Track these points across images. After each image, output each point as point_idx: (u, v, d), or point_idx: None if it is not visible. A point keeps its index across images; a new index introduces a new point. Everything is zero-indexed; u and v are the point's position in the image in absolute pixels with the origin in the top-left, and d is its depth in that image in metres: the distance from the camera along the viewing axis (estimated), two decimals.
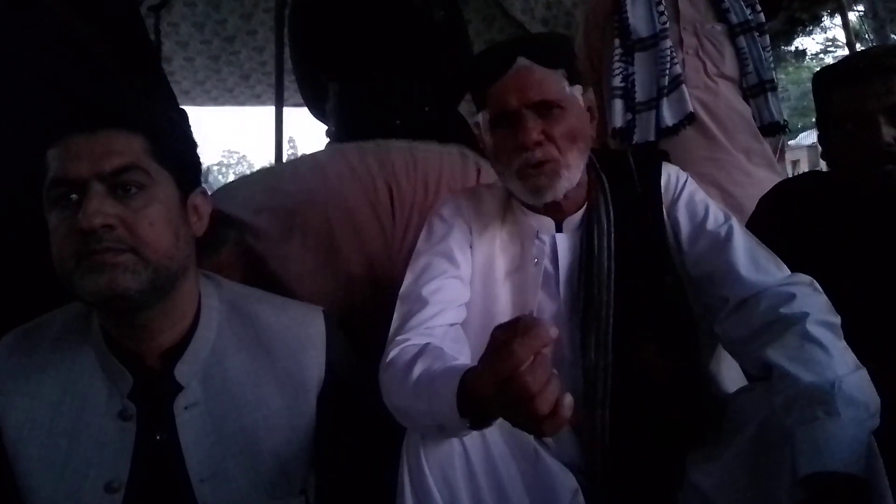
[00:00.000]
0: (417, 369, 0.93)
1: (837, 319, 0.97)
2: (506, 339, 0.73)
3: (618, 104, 1.82)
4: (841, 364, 0.89)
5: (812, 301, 0.98)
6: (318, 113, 1.89)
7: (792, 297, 0.98)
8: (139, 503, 0.91)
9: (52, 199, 0.86)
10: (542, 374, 0.71)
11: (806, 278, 1.02)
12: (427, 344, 0.99)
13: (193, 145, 0.97)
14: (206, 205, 0.99)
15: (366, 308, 1.40)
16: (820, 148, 1.32)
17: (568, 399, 0.72)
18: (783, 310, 0.97)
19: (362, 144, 1.56)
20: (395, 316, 1.09)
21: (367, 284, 1.44)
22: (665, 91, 1.79)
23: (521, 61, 1.05)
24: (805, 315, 0.94)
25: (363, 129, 1.67)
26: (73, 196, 0.84)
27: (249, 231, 1.41)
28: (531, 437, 1.02)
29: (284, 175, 1.56)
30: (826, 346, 0.91)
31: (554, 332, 0.73)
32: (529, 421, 0.73)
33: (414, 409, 0.91)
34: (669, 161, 1.21)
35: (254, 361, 0.98)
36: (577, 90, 1.10)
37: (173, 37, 3.45)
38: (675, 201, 1.14)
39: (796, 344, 0.92)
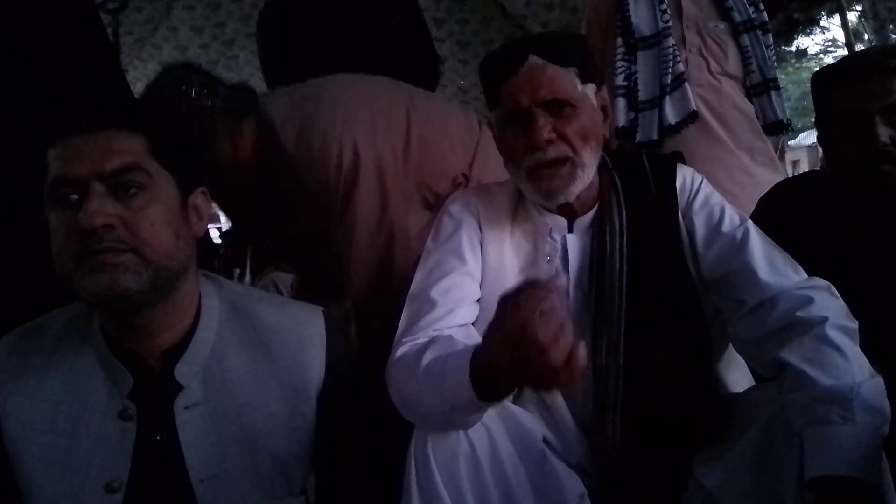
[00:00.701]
0: (428, 356, 0.93)
1: (855, 325, 0.96)
2: (513, 300, 0.74)
3: (621, 103, 1.82)
4: (858, 370, 0.89)
5: (830, 305, 0.97)
6: None
7: (810, 300, 0.97)
8: (139, 503, 0.91)
9: (53, 200, 0.86)
10: (552, 326, 0.71)
11: (823, 282, 1.02)
12: (436, 336, 0.99)
13: (194, 145, 0.97)
14: (207, 205, 0.99)
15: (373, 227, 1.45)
16: (820, 148, 1.32)
17: (582, 348, 0.72)
18: (801, 313, 0.96)
19: (391, 81, 1.61)
20: (404, 315, 1.08)
21: (376, 205, 1.47)
22: (668, 90, 1.78)
23: (533, 59, 1.05)
24: (824, 319, 0.94)
25: None
26: (74, 196, 0.84)
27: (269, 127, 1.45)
28: (538, 439, 1.02)
29: (312, 92, 1.59)
30: (844, 351, 0.90)
31: (561, 282, 0.74)
32: (544, 375, 0.73)
33: (424, 394, 0.91)
34: (684, 163, 1.21)
35: (254, 361, 0.98)
36: (590, 88, 1.09)
37: (172, 41, 3.46)
38: (690, 203, 1.13)
39: (814, 347, 0.92)
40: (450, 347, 0.94)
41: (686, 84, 1.78)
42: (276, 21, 1.87)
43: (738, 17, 1.83)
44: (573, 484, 1.00)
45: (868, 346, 0.95)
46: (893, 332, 1.08)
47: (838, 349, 0.90)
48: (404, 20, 1.85)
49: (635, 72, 1.81)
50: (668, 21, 1.79)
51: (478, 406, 0.85)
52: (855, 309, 1.00)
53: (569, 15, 3.24)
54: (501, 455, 0.95)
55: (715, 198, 1.14)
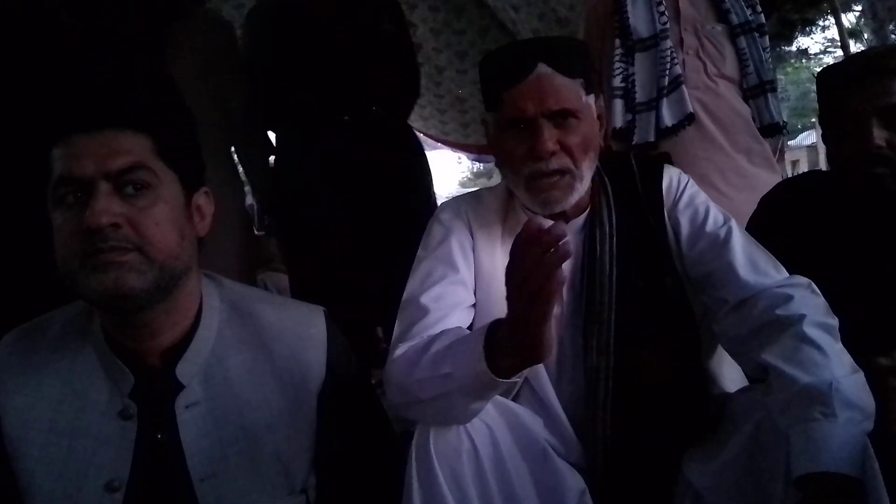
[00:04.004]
0: (437, 345, 0.94)
1: (835, 321, 0.97)
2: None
3: (618, 104, 1.82)
4: (838, 366, 0.89)
5: (809, 303, 0.98)
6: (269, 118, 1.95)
7: (789, 298, 0.98)
8: (140, 502, 0.91)
9: (57, 199, 0.86)
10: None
11: (804, 280, 1.03)
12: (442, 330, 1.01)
13: (198, 145, 0.98)
14: (210, 205, 0.99)
15: None
16: (820, 148, 1.32)
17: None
18: (780, 311, 0.97)
19: None
20: (398, 323, 1.09)
21: None
22: (665, 91, 1.78)
23: (542, 68, 1.05)
24: (802, 317, 0.94)
25: (314, 123, 1.84)
26: (79, 195, 0.84)
27: None
28: (540, 437, 1.02)
29: None
30: (823, 347, 0.91)
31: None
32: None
33: (427, 379, 0.92)
34: (671, 163, 1.22)
35: (254, 361, 0.98)
36: (592, 99, 1.10)
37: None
38: (675, 203, 1.14)
39: (793, 345, 0.92)
40: (457, 332, 0.96)
41: (683, 86, 1.78)
42: (261, 25, 1.91)
43: (735, 20, 1.83)
44: (574, 481, 1.01)
45: (864, 344, 0.96)
46: (889, 330, 1.09)
47: (817, 346, 0.91)
48: (391, 32, 1.91)
49: (633, 73, 1.82)
50: (665, 23, 1.80)
51: (490, 382, 0.84)
52: (852, 309, 1.00)
53: (557, 26, 3.26)
54: (504, 453, 0.95)
55: (700, 197, 1.15)
